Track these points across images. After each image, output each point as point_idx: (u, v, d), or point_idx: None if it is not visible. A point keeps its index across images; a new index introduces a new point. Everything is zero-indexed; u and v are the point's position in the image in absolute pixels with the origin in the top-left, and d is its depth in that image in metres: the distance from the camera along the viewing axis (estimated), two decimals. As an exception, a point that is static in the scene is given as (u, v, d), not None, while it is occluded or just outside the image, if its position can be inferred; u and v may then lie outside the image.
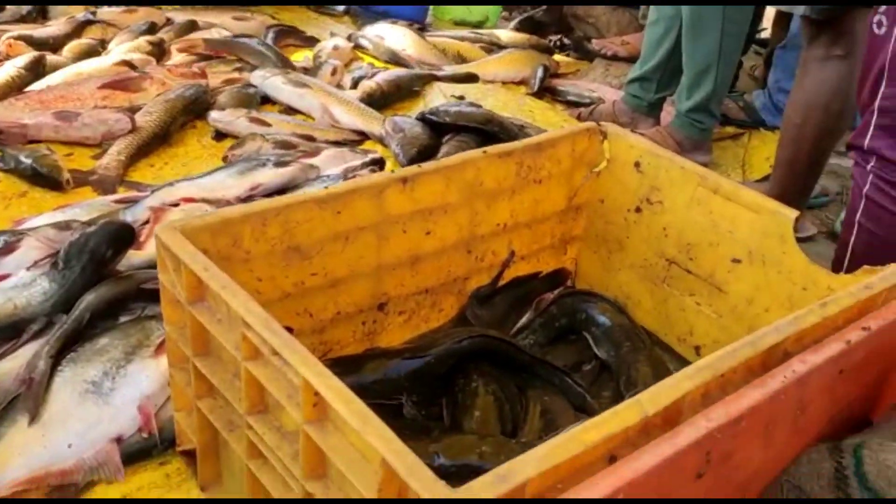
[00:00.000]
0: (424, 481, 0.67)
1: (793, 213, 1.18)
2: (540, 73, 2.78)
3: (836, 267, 1.35)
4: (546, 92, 2.78)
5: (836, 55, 1.65)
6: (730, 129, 2.57)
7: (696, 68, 2.20)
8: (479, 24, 3.56)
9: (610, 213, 1.43)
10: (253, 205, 1.03)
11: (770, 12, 3.01)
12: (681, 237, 1.33)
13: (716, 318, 1.31)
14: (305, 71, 2.44)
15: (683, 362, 1.37)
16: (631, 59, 3.01)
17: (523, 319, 1.41)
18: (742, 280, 1.25)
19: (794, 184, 1.77)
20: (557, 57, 3.13)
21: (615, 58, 3.07)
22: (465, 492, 0.66)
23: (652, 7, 2.43)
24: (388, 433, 0.71)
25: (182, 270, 0.91)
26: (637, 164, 1.36)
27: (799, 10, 1.62)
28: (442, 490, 0.66)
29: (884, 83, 1.30)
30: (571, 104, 2.71)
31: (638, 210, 1.38)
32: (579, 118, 2.56)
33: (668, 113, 2.51)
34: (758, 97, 2.63)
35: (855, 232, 1.36)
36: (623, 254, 1.43)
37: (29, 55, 2.11)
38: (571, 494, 0.69)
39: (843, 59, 1.65)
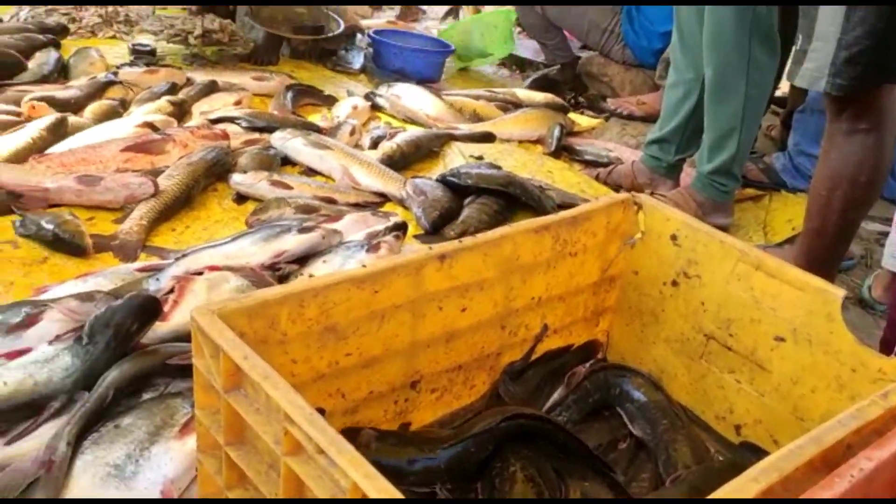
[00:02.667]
0: None
1: (840, 293, 1.14)
2: (556, 132, 2.78)
3: (884, 348, 1.31)
4: (563, 151, 2.77)
5: (861, 129, 1.62)
6: (750, 191, 2.56)
7: (718, 131, 2.20)
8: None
9: (644, 286, 1.40)
10: (291, 286, 1.00)
11: (786, 73, 3.02)
12: (720, 312, 1.29)
13: (757, 396, 1.27)
14: (321, 130, 2.44)
15: (723, 441, 1.33)
16: (647, 119, 3.03)
17: (556, 395, 1.37)
18: (786, 359, 1.21)
19: (823, 254, 1.74)
20: (573, 115, 3.14)
21: (631, 117, 3.09)
22: None
23: (671, 70, 2.43)
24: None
25: (220, 357, 0.88)
26: (674, 237, 1.33)
27: (820, 87, 1.60)
28: None
29: None
30: (589, 164, 2.71)
31: (674, 283, 1.35)
32: (597, 178, 2.56)
33: (687, 174, 2.50)
34: (777, 159, 2.62)
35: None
36: (658, 327, 1.40)
37: (51, 117, 2.10)
38: None
39: (869, 132, 1.63)
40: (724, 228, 1.71)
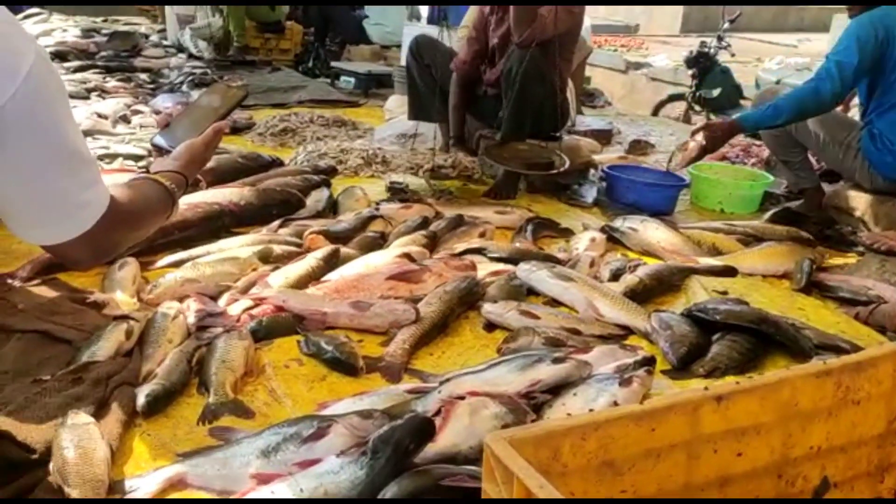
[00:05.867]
0: None
1: None
2: (806, 266, 2.65)
3: None
4: (813, 287, 2.62)
5: None
6: None
7: None
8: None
9: (941, 442, 1.27)
10: (574, 419, 1.03)
11: None
12: None
13: None
14: (561, 262, 2.52)
15: None
16: (910, 255, 2.81)
17: (838, 557, 1.26)
18: None
19: None
20: (821, 250, 2.98)
21: (891, 253, 2.87)
22: None
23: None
24: None
25: (513, 483, 0.92)
26: (977, 390, 1.21)
27: None
28: None
29: None
30: (845, 301, 2.53)
31: (980, 442, 1.22)
32: (857, 317, 2.38)
33: (966, 316, 2.26)
34: None
35: None
36: (960, 490, 1.25)
37: (327, 248, 2.38)
38: None
39: None
40: None
